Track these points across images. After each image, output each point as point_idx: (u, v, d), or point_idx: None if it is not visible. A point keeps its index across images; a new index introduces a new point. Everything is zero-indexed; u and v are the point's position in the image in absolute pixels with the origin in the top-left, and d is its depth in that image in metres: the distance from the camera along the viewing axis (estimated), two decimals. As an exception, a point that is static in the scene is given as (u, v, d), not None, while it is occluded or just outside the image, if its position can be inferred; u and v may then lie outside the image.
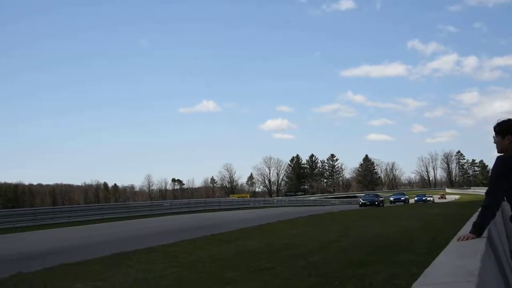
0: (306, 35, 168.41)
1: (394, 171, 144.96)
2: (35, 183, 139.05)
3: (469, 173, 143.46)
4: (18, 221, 25.00)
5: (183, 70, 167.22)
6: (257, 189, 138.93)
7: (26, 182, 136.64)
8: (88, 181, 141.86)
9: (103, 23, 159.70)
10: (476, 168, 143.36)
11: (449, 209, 25.47)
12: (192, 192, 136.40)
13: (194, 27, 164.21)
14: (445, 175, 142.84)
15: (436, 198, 72.54)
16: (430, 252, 8.75)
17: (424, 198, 61.85)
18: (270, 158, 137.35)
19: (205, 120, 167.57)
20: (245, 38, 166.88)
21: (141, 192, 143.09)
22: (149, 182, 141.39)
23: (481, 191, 68.68)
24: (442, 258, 2.86)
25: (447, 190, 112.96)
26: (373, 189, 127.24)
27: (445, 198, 71.28)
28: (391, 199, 55.75)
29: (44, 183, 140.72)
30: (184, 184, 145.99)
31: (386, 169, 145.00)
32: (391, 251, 9.90)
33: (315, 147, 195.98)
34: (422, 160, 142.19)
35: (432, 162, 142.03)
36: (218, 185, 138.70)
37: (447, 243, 3.77)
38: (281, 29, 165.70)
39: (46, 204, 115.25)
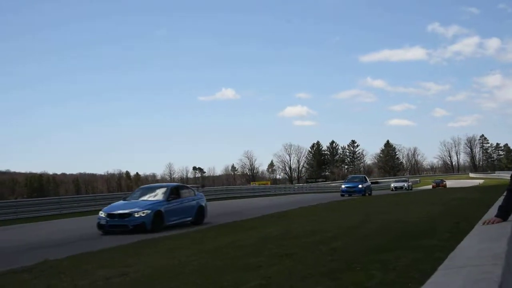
0: (324, 21, 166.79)
1: (416, 156, 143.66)
2: (59, 172, 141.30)
3: (493, 157, 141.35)
4: (44, 210, 25.47)
5: (202, 58, 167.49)
6: (277, 176, 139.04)
7: (51, 172, 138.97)
8: (111, 170, 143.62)
9: (122, 10, 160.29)
10: (500, 152, 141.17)
11: (473, 194, 25.16)
12: (213, 180, 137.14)
13: (212, 15, 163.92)
14: (469, 160, 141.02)
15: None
16: (454, 236, 8.66)
17: (400, 185, 54.23)
18: (291, 145, 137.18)
19: (225, 108, 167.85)
20: (264, 24, 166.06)
21: (162, 180, 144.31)
22: (170, 171, 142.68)
23: (506, 175, 67.46)
24: (467, 242, 2.82)
25: (471, 175, 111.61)
26: (395, 175, 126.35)
27: (443, 186, 61.73)
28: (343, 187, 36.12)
29: (67, 172, 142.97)
30: (205, 172, 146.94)
31: (408, 154, 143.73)
32: (414, 236, 9.83)
33: (336, 133, 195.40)
34: (445, 145, 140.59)
35: (455, 146, 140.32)
36: (239, 173, 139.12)
37: (472, 228, 3.72)
38: (299, 15, 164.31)
39: (70, 193, 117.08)
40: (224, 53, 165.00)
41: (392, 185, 56.01)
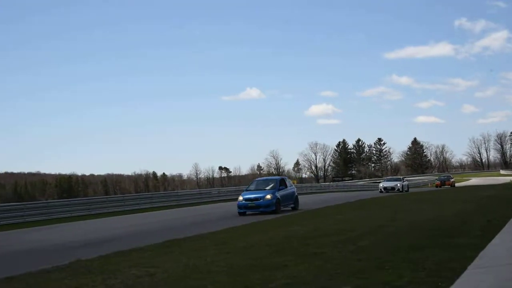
0: (348, 19, 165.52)
1: (444, 153, 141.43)
2: (87, 173, 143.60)
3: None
4: (73, 210, 25.94)
5: (226, 58, 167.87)
6: (303, 175, 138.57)
7: (79, 173, 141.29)
8: (138, 171, 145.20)
9: (145, 15, 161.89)
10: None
11: (505, 191, 24.66)
12: (239, 180, 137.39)
13: (235, 15, 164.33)
14: (499, 156, 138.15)
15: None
16: (485, 235, 8.52)
17: (391, 185, 42.51)
18: (316, 144, 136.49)
19: (250, 107, 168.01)
20: (287, 22, 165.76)
21: (189, 180, 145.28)
22: (196, 171, 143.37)
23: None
24: (499, 240, 2.78)
25: (502, 172, 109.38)
26: (422, 173, 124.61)
27: (451, 184, 53.82)
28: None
29: (96, 173, 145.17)
30: (231, 171, 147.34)
31: (436, 151, 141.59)
32: (444, 234, 9.69)
33: (362, 132, 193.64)
34: (474, 142, 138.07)
35: (485, 143, 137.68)
36: (265, 172, 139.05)
37: (503, 226, 3.66)
38: (323, 13, 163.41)
39: (98, 193, 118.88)
40: (248, 53, 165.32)
41: (381, 185, 43.58)
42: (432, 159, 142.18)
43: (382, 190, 41.36)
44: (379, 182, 53.09)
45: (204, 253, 9.16)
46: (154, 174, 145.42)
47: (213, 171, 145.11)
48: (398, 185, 41.84)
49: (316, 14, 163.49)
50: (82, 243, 12.98)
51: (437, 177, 65.37)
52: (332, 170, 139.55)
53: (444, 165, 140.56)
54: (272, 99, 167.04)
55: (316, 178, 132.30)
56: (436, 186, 53.61)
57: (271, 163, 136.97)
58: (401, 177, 50.23)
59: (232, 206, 23.95)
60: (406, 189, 42.11)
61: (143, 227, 17.00)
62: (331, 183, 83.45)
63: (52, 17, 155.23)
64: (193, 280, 6.75)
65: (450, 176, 60.46)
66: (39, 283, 7.23)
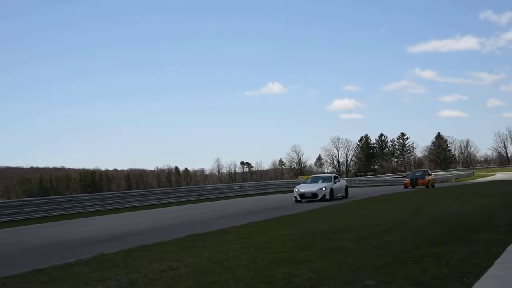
0: (370, 12, 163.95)
1: (469, 148, 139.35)
2: (111, 168, 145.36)
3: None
4: (97, 205, 26.27)
5: (248, 53, 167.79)
6: (326, 170, 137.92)
7: (103, 168, 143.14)
8: (160, 166, 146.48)
9: (169, 8, 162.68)
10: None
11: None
12: (261, 174, 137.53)
13: (257, 11, 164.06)
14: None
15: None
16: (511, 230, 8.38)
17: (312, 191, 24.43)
18: (338, 139, 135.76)
19: (272, 102, 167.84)
20: (309, 17, 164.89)
21: (211, 175, 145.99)
22: (218, 166, 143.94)
23: None
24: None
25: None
26: (446, 168, 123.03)
27: (425, 183, 36.65)
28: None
29: (119, 168, 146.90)
30: (252, 166, 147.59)
31: (460, 146, 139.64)
32: (469, 229, 9.55)
33: (384, 126, 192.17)
34: (500, 136, 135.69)
35: (511, 137, 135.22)
36: (287, 167, 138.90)
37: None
38: (344, 7, 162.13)
39: (121, 188, 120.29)
40: (270, 48, 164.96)
41: (296, 190, 25.14)
42: (456, 154, 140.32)
43: (298, 198, 24.14)
44: (403, 177, 50.45)
45: (226, 248, 9.17)
46: (177, 169, 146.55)
47: (235, 166, 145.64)
48: (324, 189, 24.19)
49: (339, 9, 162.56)
50: (106, 237, 13.13)
51: (407, 174, 47.70)
52: (354, 165, 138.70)
53: (468, 159, 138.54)
54: (294, 94, 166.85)
55: (339, 173, 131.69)
56: (405, 186, 36.27)
57: (293, 158, 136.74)
58: (332, 175, 27.14)
59: (254, 201, 24.01)
60: (342, 194, 25.88)
61: (165, 222, 17.13)
62: (354, 178, 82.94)
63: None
64: (216, 275, 6.76)
65: (426, 171, 40.31)
66: (64, 276, 7.33)
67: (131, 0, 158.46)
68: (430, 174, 40.11)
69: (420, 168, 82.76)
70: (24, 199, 37.27)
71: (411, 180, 37.21)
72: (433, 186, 37.28)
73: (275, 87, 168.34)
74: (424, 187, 35.89)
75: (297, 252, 8.17)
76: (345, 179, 34.00)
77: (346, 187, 26.73)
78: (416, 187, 36.01)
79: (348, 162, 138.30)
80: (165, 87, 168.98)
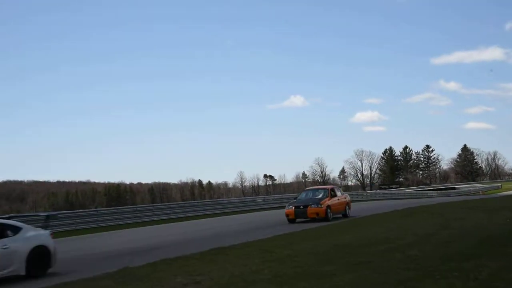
0: (393, 23, 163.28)
1: (496, 160, 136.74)
2: (135, 182, 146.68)
3: None
4: (121, 218, 26.46)
5: (270, 67, 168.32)
6: (349, 183, 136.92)
7: (127, 181, 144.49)
8: (184, 179, 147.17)
9: (188, 18, 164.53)
10: None
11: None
12: (284, 187, 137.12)
13: (279, 24, 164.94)
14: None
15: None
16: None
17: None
18: (362, 151, 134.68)
19: (294, 115, 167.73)
20: (332, 30, 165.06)
21: (234, 188, 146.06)
22: (241, 179, 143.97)
23: None
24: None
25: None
26: (473, 180, 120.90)
27: (323, 214, 19.46)
28: None
29: (143, 181, 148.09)
30: (275, 179, 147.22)
31: (487, 158, 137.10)
32: (497, 243, 9.35)
33: (409, 139, 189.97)
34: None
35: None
36: (310, 180, 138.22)
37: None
38: (368, 17, 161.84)
39: (146, 201, 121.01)
40: (292, 61, 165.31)
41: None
42: (483, 166, 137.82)
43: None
44: (429, 190, 48.58)
45: (249, 261, 9.15)
46: (200, 182, 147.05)
47: (258, 179, 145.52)
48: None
49: (361, 22, 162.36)
50: (130, 251, 13.22)
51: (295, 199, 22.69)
52: (378, 178, 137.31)
53: (496, 172, 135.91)
54: (316, 107, 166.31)
55: (362, 186, 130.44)
56: (288, 218, 20.11)
57: (316, 171, 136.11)
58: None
59: (277, 215, 23.91)
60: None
61: (189, 235, 17.17)
62: (378, 191, 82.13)
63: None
64: (239, 288, 6.76)
65: (325, 192, 21.20)
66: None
67: (154, 11, 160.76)
68: (335, 195, 21.25)
69: (445, 182, 77.58)
70: (51, 212, 37.65)
71: (297, 209, 20.04)
72: (345, 215, 21.37)
73: (296, 100, 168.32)
74: (322, 217, 19.46)
75: (320, 266, 8.10)
76: (369, 191, 31.84)
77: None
78: (304, 218, 19.94)
79: (372, 175, 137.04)
80: (187, 100, 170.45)
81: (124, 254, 12.40)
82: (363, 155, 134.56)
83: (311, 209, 19.73)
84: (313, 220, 19.53)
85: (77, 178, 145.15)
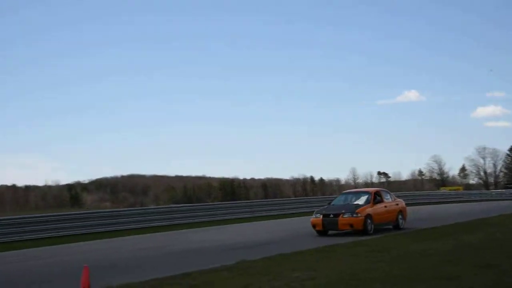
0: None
1: None
2: (248, 177, 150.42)
3: None
4: (236, 212, 27.26)
5: (380, 59, 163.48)
6: (471, 181, 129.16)
7: (241, 177, 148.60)
8: (296, 175, 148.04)
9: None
10: None
11: None
12: (399, 185, 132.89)
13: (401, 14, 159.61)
14: None
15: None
16: None
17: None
18: (484, 148, 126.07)
19: (408, 110, 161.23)
20: (441, 23, 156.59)
21: (346, 185, 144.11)
22: (354, 175, 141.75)
23: None
24: None
25: None
26: None
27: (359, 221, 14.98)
28: None
29: (256, 177, 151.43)
30: (390, 176, 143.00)
31: None
32: None
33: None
34: None
35: None
36: (427, 178, 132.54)
37: None
38: (498, 4, 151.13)
39: (259, 196, 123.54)
40: (404, 52, 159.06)
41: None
42: None
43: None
44: None
45: (358, 260, 9.10)
46: (312, 178, 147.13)
47: (371, 176, 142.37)
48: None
49: (490, 8, 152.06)
50: (247, 244, 13.54)
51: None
52: (504, 176, 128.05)
53: None
54: (433, 101, 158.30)
55: (486, 185, 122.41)
56: (315, 229, 15.59)
57: (433, 168, 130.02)
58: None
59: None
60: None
61: (299, 231, 17.06)
62: (503, 190, 76.61)
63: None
64: (354, 287, 6.65)
65: (367, 196, 16.57)
66: (213, 281, 7.68)
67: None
68: (381, 200, 16.55)
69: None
70: (171, 205, 39.90)
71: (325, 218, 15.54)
72: (397, 227, 16.76)
73: (411, 95, 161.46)
74: (358, 230, 15.14)
75: (442, 267, 7.73)
76: (494, 191, 29.97)
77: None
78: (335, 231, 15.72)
79: (497, 173, 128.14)
80: (300, 96, 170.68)
81: (240, 247, 12.80)
82: (486, 152, 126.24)
83: (343, 220, 15.04)
84: (348, 233, 15.27)
85: (193, 173, 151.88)
